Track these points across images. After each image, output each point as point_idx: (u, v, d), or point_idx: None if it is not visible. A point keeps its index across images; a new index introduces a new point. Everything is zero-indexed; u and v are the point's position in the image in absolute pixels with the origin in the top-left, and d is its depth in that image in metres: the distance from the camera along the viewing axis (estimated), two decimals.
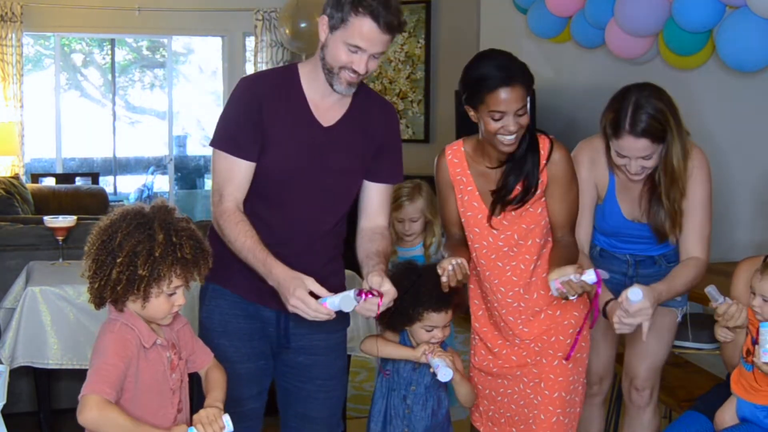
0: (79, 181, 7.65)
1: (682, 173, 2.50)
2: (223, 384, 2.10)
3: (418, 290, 2.47)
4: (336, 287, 2.20)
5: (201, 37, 8.70)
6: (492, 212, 2.45)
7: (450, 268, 2.27)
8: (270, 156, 2.23)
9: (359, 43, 2.13)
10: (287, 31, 7.11)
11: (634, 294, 2.31)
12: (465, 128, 6.30)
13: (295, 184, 2.26)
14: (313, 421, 2.44)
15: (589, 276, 2.24)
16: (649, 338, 2.72)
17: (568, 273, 2.24)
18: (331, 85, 2.21)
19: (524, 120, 2.31)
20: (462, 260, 2.31)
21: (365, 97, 2.33)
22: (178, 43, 8.75)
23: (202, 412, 1.97)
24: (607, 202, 2.68)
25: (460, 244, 2.55)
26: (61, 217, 3.76)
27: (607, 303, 2.47)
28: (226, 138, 2.24)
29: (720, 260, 3.77)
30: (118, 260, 1.87)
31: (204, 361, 2.13)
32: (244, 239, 2.17)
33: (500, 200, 2.43)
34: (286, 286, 2.10)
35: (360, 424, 3.47)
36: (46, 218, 3.77)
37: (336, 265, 2.41)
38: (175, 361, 2.02)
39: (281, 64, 7.49)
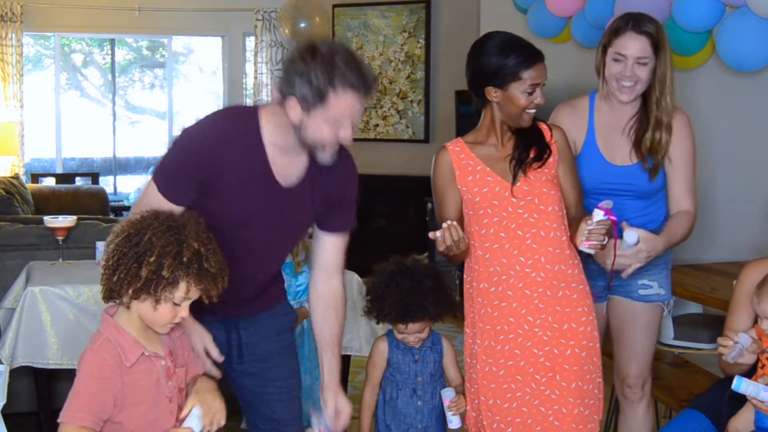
0: (79, 181, 7.66)
1: (670, 87, 2.67)
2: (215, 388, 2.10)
3: (384, 298, 2.60)
4: (274, 296, 2.42)
5: (201, 37, 8.70)
6: (514, 178, 2.50)
7: (445, 226, 2.33)
8: (222, 208, 2.15)
9: (344, 117, 2.04)
10: (287, 31, 7.11)
11: (629, 236, 2.48)
12: (465, 128, 6.29)
13: (248, 238, 2.19)
14: (282, 423, 2.42)
15: (598, 215, 2.36)
16: (636, 335, 2.82)
17: (583, 228, 2.38)
18: (314, 157, 2.13)
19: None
20: (455, 223, 2.36)
21: None
22: (178, 43, 8.73)
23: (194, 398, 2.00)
24: (586, 149, 2.74)
25: None
26: (61, 217, 3.76)
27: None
28: (165, 180, 2.14)
29: (721, 260, 3.77)
30: (151, 258, 1.85)
31: (197, 370, 2.12)
32: None
33: (520, 163, 2.51)
34: (191, 332, 2.17)
35: (359, 424, 3.47)
36: (46, 218, 3.77)
37: (277, 276, 2.45)
38: (172, 368, 2.00)
39: (281, 64, 7.49)
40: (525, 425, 2.51)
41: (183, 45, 9.39)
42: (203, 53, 10.03)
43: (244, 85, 7.98)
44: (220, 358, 2.22)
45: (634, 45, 2.62)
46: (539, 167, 2.52)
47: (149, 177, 2.19)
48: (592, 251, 2.40)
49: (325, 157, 2.12)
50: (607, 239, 2.38)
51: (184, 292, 1.90)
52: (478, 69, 2.49)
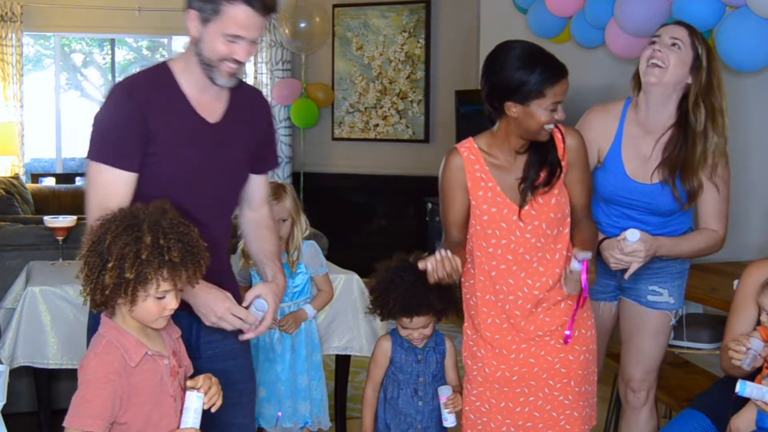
0: (79, 181, 7.64)
1: (723, 101, 2.59)
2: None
3: (388, 292, 2.58)
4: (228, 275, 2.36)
5: None
6: (522, 202, 2.44)
7: (438, 257, 2.24)
8: (162, 161, 2.15)
9: (238, 32, 2.08)
10: (287, 31, 7.11)
11: (632, 235, 2.47)
12: (465, 128, 6.26)
13: (192, 186, 2.20)
14: (239, 428, 2.37)
15: (573, 265, 2.32)
16: (642, 341, 2.79)
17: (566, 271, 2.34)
18: (212, 80, 2.15)
19: None
20: (453, 254, 2.26)
21: (239, 87, 2.27)
22: (178, 43, 8.73)
23: (202, 377, 2.00)
24: (610, 159, 2.70)
25: (457, 246, 2.49)
26: (61, 217, 3.76)
27: (602, 240, 2.60)
28: (107, 149, 2.12)
29: (721, 260, 3.76)
30: (109, 264, 1.84)
31: (188, 371, 2.11)
32: None
33: (529, 187, 2.43)
34: (209, 300, 2.12)
35: (360, 424, 3.47)
36: (46, 218, 3.78)
37: (227, 254, 2.43)
38: (176, 367, 2.00)
39: (281, 64, 7.50)
40: (536, 429, 2.52)
41: (183, 45, 9.40)
42: None
43: None
44: (249, 318, 2.17)
45: (671, 28, 2.60)
46: (549, 190, 2.45)
47: (89, 164, 2.14)
48: (573, 292, 2.38)
49: (222, 77, 2.15)
50: (582, 286, 2.34)
51: (156, 288, 1.87)
52: (498, 83, 2.35)
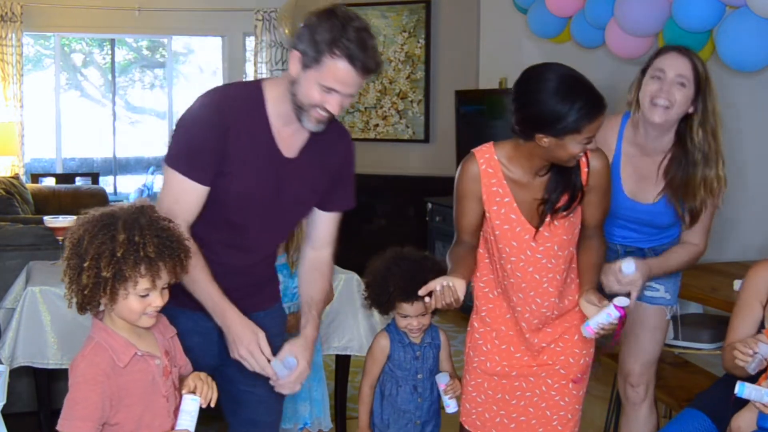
0: (79, 181, 7.66)
1: (718, 125, 2.55)
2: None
3: (387, 279, 2.59)
4: (269, 296, 2.41)
5: (201, 37, 8.71)
6: (539, 223, 2.37)
7: (438, 288, 2.21)
8: (229, 182, 2.17)
9: (334, 85, 2.07)
10: (287, 31, 7.10)
11: (628, 267, 2.48)
12: (465, 128, 6.25)
13: (252, 212, 2.22)
14: (264, 426, 2.41)
15: (614, 314, 2.25)
16: (641, 336, 2.83)
17: (599, 320, 2.26)
18: (300, 120, 2.15)
19: None
20: (454, 282, 2.23)
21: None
22: (178, 43, 8.75)
23: (191, 377, 2.00)
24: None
25: (468, 253, 2.46)
26: (61, 217, 3.76)
27: None
28: (184, 158, 2.14)
29: (720, 260, 3.76)
30: (85, 264, 1.83)
31: (186, 369, 2.11)
32: (196, 272, 2.11)
33: (549, 209, 2.36)
34: (239, 334, 2.16)
35: None
36: (46, 218, 3.77)
37: (273, 274, 2.47)
38: (169, 367, 1.99)
39: (280, 64, 7.49)
40: (528, 425, 2.54)
41: (183, 45, 9.40)
42: (203, 53, 10.04)
43: None
44: (267, 371, 2.19)
45: (676, 62, 2.51)
46: (567, 214, 2.38)
47: (165, 167, 2.17)
48: (594, 337, 2.35)
49: (310, 122, 2.15)
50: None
51: (134, 285, 1.86)
52: (532, 115, 2.23)
